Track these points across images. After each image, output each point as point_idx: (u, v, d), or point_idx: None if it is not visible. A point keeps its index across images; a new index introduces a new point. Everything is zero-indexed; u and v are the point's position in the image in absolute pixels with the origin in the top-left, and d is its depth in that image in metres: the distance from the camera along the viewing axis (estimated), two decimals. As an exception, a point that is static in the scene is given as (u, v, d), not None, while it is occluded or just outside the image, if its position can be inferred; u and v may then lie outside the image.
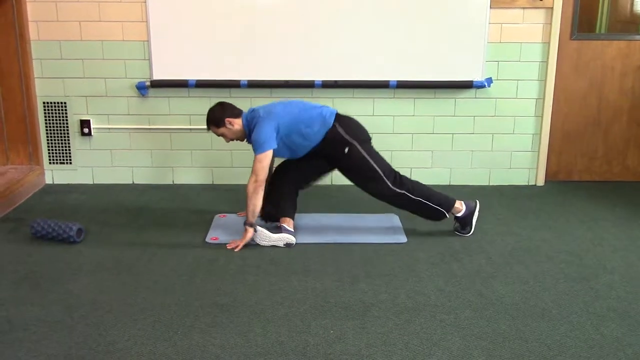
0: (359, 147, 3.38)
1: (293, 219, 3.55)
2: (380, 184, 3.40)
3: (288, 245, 3.37)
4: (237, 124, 3.45)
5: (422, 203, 3.43)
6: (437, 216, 3.49)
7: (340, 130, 3.38)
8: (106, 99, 4.37)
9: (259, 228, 3.37)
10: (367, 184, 3.46)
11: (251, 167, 3.33)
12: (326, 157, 3.47)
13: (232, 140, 3.53)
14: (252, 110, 3.46)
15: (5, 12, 4.13)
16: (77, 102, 4.38)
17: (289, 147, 3.41)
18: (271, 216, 3.57)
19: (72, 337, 2.45)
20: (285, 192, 3.54)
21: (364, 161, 3.38)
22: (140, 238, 3.50)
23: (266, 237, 3.36)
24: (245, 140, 3.52)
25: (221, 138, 3.60)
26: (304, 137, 3.37)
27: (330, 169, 3.60)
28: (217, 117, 3.44)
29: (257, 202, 3.30)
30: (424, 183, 3.53)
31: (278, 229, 3.42)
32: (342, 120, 3.43)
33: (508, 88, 4.39)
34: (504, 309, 2.71)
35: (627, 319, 2.62)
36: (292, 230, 3.45)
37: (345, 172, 3.49)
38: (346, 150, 3.37)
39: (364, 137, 3.45)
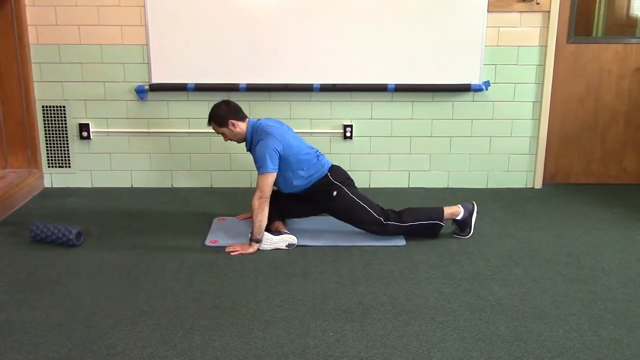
0: (346, 190, 3.47)
1: (284, 222, 3.59)
2: (371, 221, 3.46)
3: (290, 245, 3.38)
4: (240, 127, 3.46)
5: (415, 226, 3.47)
6: (434, 230, 3.53)
7: (330, 177, 3.48)
8: (105, 103, 4.38)
9: (266, 234, 3.38)
10: (358, 223, 3.52)
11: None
12: (315, 200, 3.54)
13: (231, 140, 3.55)
14: (263, 122, 3.47)
15: (4, 16, 4.14)
16: (76, 106, 4.38)
17: (279, 177, 3.44)
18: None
19: (72, 340, 2.46)
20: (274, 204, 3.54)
21: (352, 201, 3.46)
22: (139, 241, 3.50)
23: (268, 240, 3.36)
24: (246, 148, 3.53)
25: (220, 137, 3.61)
26: (297, 176, 3.44)
27: (313, 213, 3.68)
28: (221, 116, 3.45)
29: (263, 217, 3.32)
30: (415, 206, 3.62)
31: (277, 232, 3.43)
32: (332, 169, 3.53)
33: (505, 91, 4.41)
34: (503, 311, 2.72)
35: (625, 321, 2.64)
36: (284, 230, 3.47)
37: (337, 215, 3.55)
38: (335, 193, 3.46)
39: (350, 182, 3.54)
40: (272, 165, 3.33)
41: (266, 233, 3.37)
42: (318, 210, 3.62)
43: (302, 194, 3.53)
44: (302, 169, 3.44)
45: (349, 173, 3.61)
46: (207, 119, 3.51)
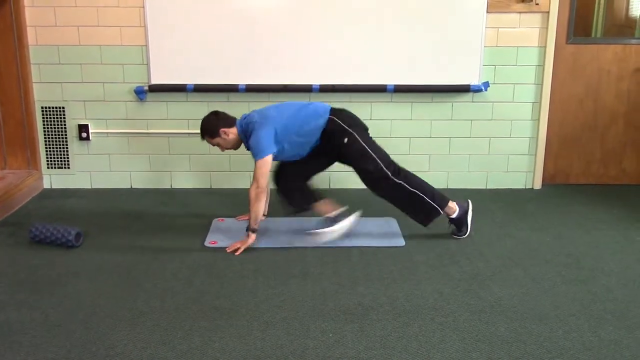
0: (357, 136, 3.39)
1: (323, 198, 3.60)
2: (379, 173, 3.39)
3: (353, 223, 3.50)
4: (232, 133, 3.45)
5: (417, 196, 3.41)
6: (430, 213, 3.45)
7: (338, 121, 3.40)
8: (104, 104, 4.38)
9: (321, 230, 3.42)
10: (365, 173, 3.44)
11: (249, 171, 3.34)
12: (326, 150, 3.47)
13: (228, 149, 3.54)
14: (246, 117, 3.46)
15: (3, 17, 4.14)
16: (75, 107, 4.38)
17: (290, 149, 3.41)
18: (301, 208, 3.62)
19: (71, 341, 2.45)
20: (295, 186, 3.54)
21: (364, 151, 3.39)
22: (138, 242, 3.50)
23: (330, 233, 3.39)
24: (244, 146, 3.53)
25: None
26: (302, 135, 3.39)
27: (329, 163, 3.63)
28: (211, 128, 3.45)
29: (259, 208, 3.32)
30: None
31: (331, 221, 3.45)
32: (337, 112, 3.45)
33: (505, 92, 4.41)
34: (502, 311, 2.72)
35: (625, 322, 2.64)
36: (337, 212, 3.52)
37: (345, 161, 3.50)
38: (346, 140, 3.38)
39: (361, 126, 3.47)
40: (266, 148, 3.30)
41: (325, 230, 3.41)
42: (331, 159, 3.57)
43: (315, 149, 3.47)
44: (306, 124, 3.38)
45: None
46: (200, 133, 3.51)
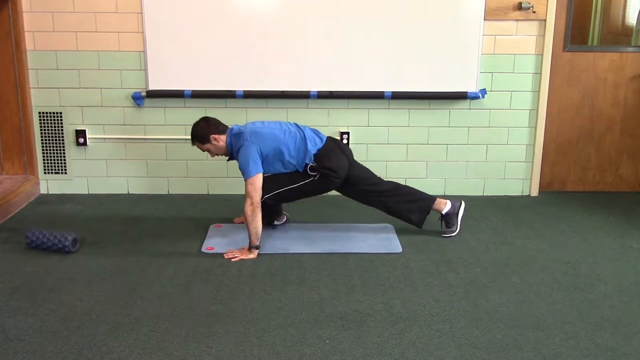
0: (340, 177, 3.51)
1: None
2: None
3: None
4: (222, 140, 3.47)
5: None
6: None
7: (320, 168, 3.45)
8: (102, 109, 4.37)
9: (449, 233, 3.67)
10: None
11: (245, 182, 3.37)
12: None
13: (217, 155, 3.55)
14: (238, 131, 3.46)
15: (1, 22, 4.14)
16: (72, 112, 4.38)
17: (271, 168, 3.48)
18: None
19: (67, 347, 2.45)
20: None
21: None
22: (135, 248, 3.49)
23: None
24: (227, 158, 3.55)
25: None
26: (284, 165, 3.46)
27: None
28: (202, 134, 3.47)
29: (257, 224, 3.33)
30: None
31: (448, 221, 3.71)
32: (320, 157, 3.46)
33: (502, 99, 4.42)
34: (499, 318, 2.72)
35: (621, 329, 2.64)
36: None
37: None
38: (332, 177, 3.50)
39: (338, 173, 3.50)
40: (255, 167, 3.34)
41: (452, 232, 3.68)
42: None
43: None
44: (291, 157, 3.43)
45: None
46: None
